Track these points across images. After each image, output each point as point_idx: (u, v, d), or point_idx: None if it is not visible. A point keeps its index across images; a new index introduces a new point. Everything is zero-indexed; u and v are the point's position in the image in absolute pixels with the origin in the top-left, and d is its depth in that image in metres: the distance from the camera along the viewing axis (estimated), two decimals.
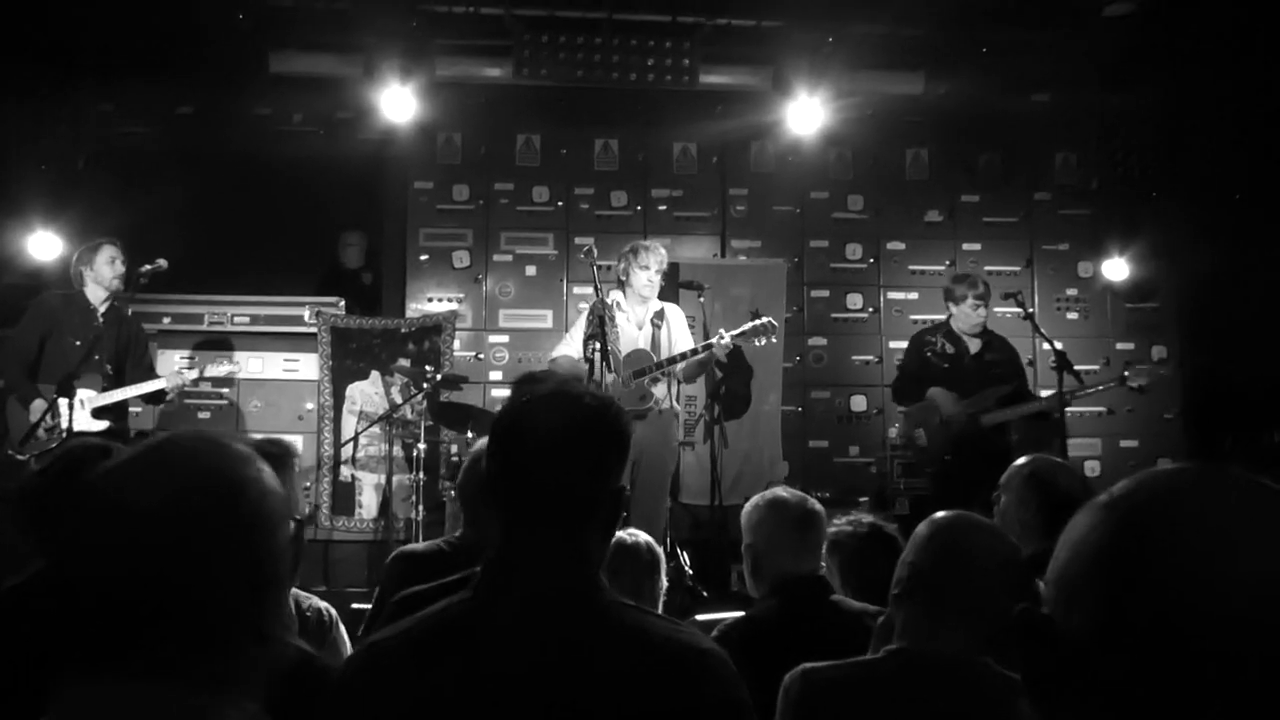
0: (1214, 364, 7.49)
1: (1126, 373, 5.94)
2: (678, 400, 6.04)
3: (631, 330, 5.86)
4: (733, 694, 1.46)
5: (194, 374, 5.59)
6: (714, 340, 5.65)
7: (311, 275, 7.72)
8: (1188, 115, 7.31)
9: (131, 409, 5.76)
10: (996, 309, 7.18)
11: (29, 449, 4.96)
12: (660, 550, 3.18)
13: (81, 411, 5.06)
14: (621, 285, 5.96)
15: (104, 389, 5.29)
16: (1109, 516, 0.89)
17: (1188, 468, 0.90)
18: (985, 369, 5.97)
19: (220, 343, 6.92)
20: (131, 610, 1.08)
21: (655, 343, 5.83)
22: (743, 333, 5.72)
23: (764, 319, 5.78)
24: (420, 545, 2.95)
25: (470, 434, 6.20)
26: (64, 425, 4.95)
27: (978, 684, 1.96)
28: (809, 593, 2.71)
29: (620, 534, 3.28)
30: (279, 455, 1.97)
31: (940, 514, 2.14)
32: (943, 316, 6.38)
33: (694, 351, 5.73)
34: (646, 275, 5.79)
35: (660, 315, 5.93)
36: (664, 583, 3.23)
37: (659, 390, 5.71)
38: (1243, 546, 0.83)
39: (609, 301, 5.65)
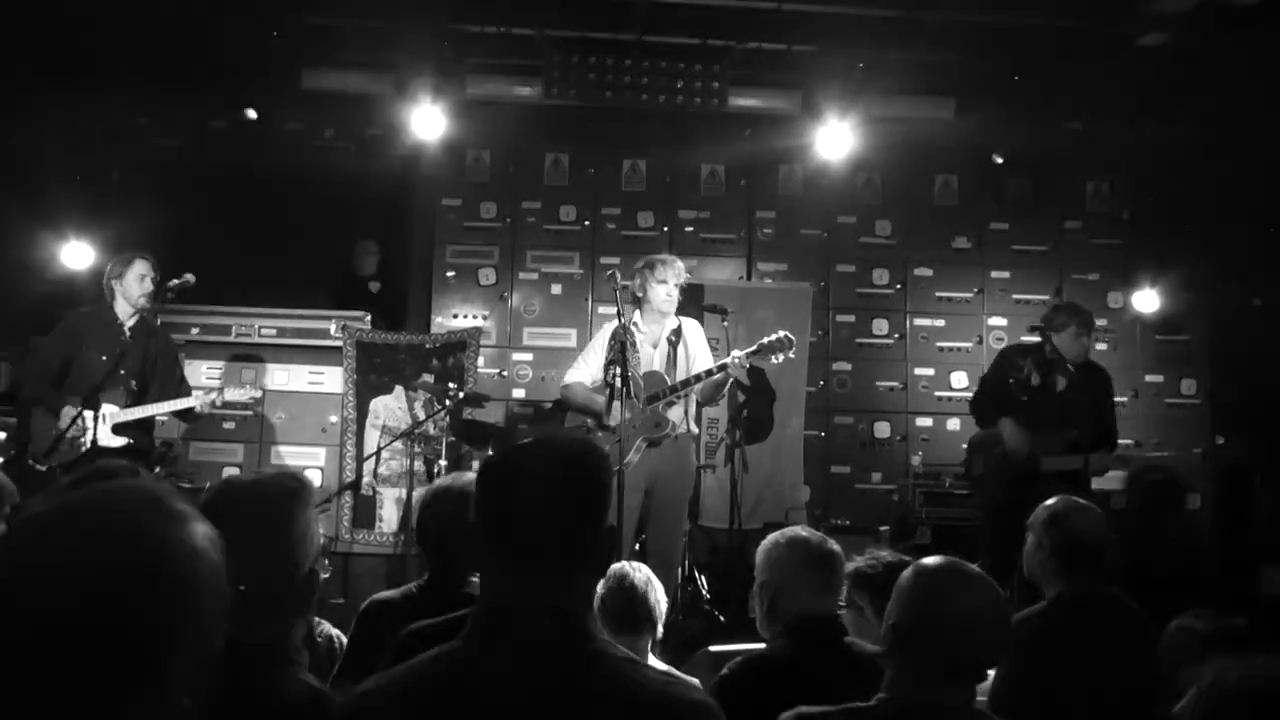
0: (1243, 397, 7.39)
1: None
2: (696, 422, 5.74)
3: (647, 350, 5.53)
4: None
5: (215, 396, 5.57)
6: (727, 360, 5.33)
7: (381, 295, 7.77)
8: (1221, 146, 7.23)
9: (158, 419, 5.80)
10: (1022, 339, 7.12)
11: (53, 460, 4.99)
12: (653, 583, 3.12)
13: (103, 427, 5.09)
14: (637, 302, 5.58)
15: (126, 405, 5.31)
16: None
17: None
18: (1065, 408, 5.54)
19: (246, 356, 6.98)
20: (32, 681, 1.00)
21: (672, 362, 5.49)
22: (757, 350, 5.38)
23: (779, 334, 5.42)
24: (392, 592, 2.93)
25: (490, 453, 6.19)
26: (87, 439, 4.99)
27: None
28: (823, 633, 2.68)
29: (621, 564, 3.25)
30: (295, 490, 1.96)
31: (924, 563, 2.14)
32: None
33: (708, 373, 5.37)
34: (665, 290, 5.43)
35: (677, 333, 5.56)
36: (662, 599, 3.19)
37: (674, 414, 5.38)
38: None
39: (629, 324, 5.44)
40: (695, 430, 5.73)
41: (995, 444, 5.64)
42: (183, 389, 5.60)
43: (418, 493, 6.73)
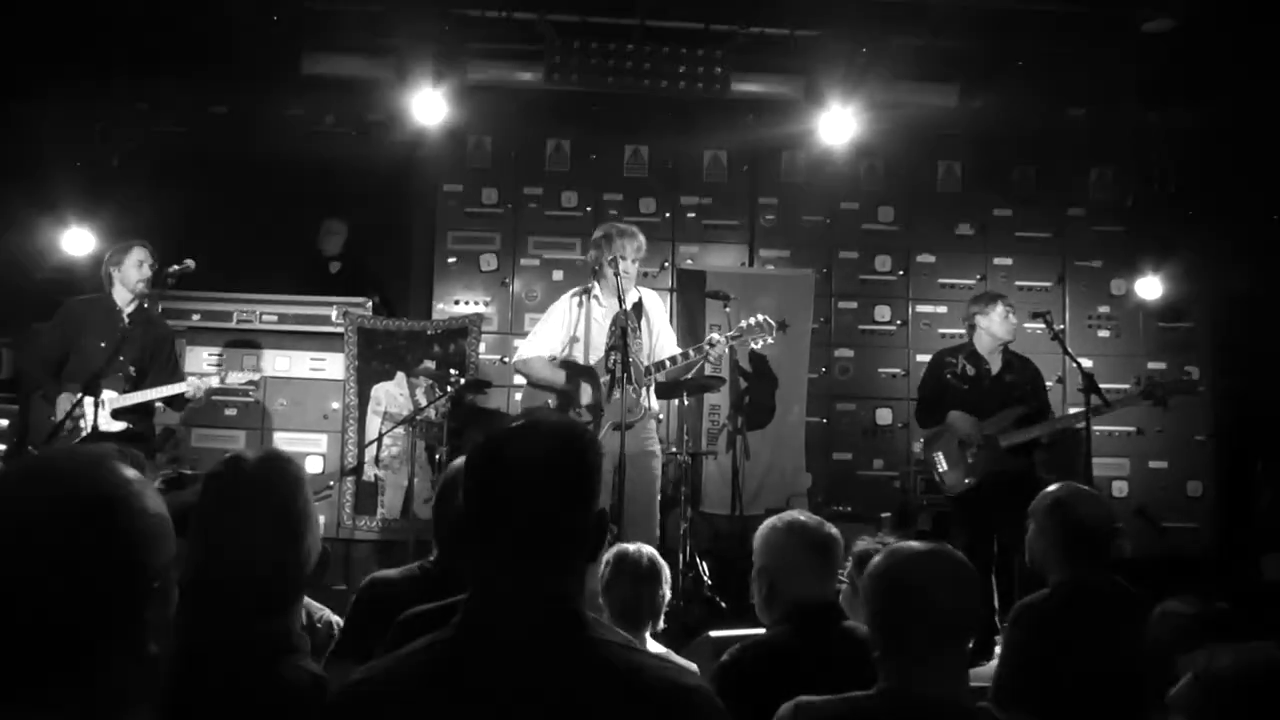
0: (1246, 386, 7.37)
1: (1141, 384, 5.77)
2: (656, 400, 5.52)
3: (609, 326, 5.29)
4: None
5: (215, 381, 5.56)
6: (704, 343, 5.23)
7: (339, 275, 7.72)
8: (1225, 133, 7.20)
9: (157, 406, 5.80)
10: (1025, 325, 7.10)
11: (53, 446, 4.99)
12: (662, 562, 3.17)
13: (102, 412, 5.09)
14: (595, 275, 5.35)
15: (125, 391, 5.31)
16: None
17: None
18: (1005, 390, 5.75)
19: (248, 342, 6.98)
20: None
21: (637, 337, 5.30)
22: (738, 334, 5.26)
23: (759, 317, 5.28)
24: (393, 571, 2.90)
25: None
26: (87, 425, 4.99)
27: None
28: (822, 619, 2.68)
29: (625, 546, 3.29)
30: (296, 475, 1.95)
31: (894, 545, 2.13)
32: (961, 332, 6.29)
33: (685, 355, 5.23)
34: (623, 265, 5.14)
35: (638, 307, 5.34)
36: (666, 593, 3.22)
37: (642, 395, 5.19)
38: None
39: (593, 296, 5.30)
40: (655, 408, 5.53)
41: (950, 437, 5.74)
42: (176, 376, 5.60)
43: (420, 478, 6.75)
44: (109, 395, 5.21)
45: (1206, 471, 7.52)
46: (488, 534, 1.50)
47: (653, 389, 5.40)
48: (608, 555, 3.20)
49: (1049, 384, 7.02)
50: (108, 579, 1.09)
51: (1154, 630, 2.69)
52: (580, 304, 5.38)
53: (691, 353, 5.24)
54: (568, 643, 1.44)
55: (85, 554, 1.08)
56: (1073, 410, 6.14)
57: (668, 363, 5.26)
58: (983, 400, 5.73)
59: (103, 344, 5.28)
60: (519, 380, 7.29)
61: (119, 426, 5.24)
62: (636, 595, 3.11)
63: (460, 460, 3.00)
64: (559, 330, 5.39)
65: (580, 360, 5.30)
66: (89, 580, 1.08)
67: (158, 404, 5.60)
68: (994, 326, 5.79)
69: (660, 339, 5.39)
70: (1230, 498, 7.45)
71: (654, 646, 3.27)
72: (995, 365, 5.83)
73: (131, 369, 5.36)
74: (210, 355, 6.94)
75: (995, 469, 5.55)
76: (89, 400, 4.91)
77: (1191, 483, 7.51)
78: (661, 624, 3.23)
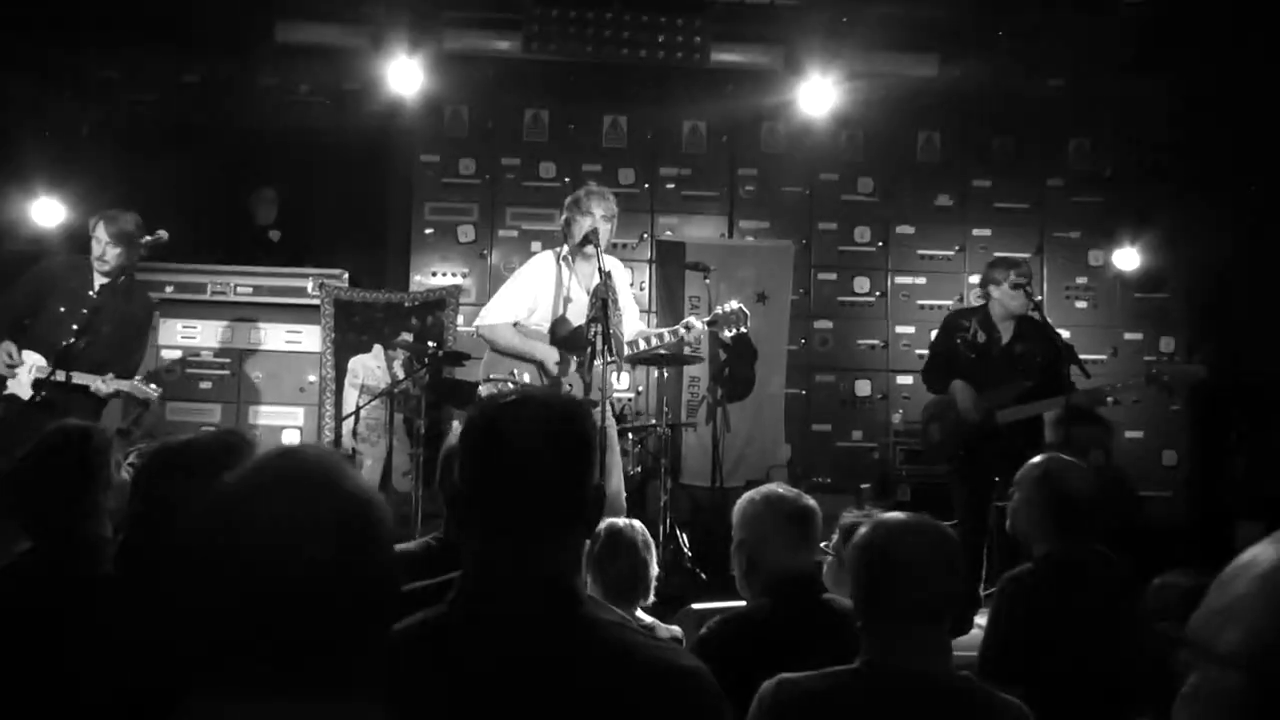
0: (1223, 356, 7.42)
1: (1154, 370, 5.60)
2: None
3: (580, 293, 5.05)
4: (715, 713, 1.44)
5: (110, 388, 5.06)
6: (681, 326, 5.15)
7: (315, 246, 7.60)
8: (1205, 103, 7.21)
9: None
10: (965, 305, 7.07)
11: None
12: (649, 549, 3.16)
13: (24, 378, 4.92)
14: (565, 240, 5.10)
15: (54, 362, 4.96)
16: None
17: None
18: (1012, 362, 5.52)
19: (224, 314, 6.91)
20: (296, 631, 1.06)
21: (618, 309, 5.07)
22: (713, 320, 5.18)
23: (735, 305, 5.16)
24: (413, 545, 2.86)
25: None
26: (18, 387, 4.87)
27: (951, 697, 1.95)
28: (801, 591, 2.68)
29: (617, 521, 3.28)
30: (237, 446, 1.92)
31: (875, 525, 2.11)
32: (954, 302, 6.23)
33: (659, 336, 5.19)
34: (589, 222, 4.91)
35: (608, 276, 5.02)
36: (655, 568, 3.24)
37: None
38: None
39: (564, 258, 5.11)
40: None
41: (949, 409, 5.61)
42: (129, 364, 5.26)
43: (398, 450, 6.72)
44: (35, 360, 4.99)
45: (1181, 441, 7.58)
46: (484, 509, 1.49)
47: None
48: (598, 529, 3.19)
49: None
50: (372, 589, 1.12)
51: (1152, 602, 2.70)
52: (570, 267, 5.12)
53: (667, 334, 5.17)
54: (563, 621, 1.43)
55: (364, 550, 1.11)
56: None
57: (641, 343, 5.18)
58: (989, 371, 5.51)
59: (61, 309, 5.07)
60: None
61: (28, 395, 4.98)
62: (631, 571, 3.11)
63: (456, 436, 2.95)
64: (532, 295, 5.11)
65: (573, 323, 5.06)
66: (362, 573, 1.11)
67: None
68: (1005, 299, 5.58)
69: (626, 312, 5.22)
70: (1205, 467, 7.51)
71: (642, 617, 3.28)
72: (1006, 334, 5.60)
73: (81, 342, 5.00)
74: (185, 327, 6.88)
75: (990, 445, 5.32)
76: (30, 360, 4.77)
77: (1166, 452, 7.57)
78: (652, 598, 3.23)
